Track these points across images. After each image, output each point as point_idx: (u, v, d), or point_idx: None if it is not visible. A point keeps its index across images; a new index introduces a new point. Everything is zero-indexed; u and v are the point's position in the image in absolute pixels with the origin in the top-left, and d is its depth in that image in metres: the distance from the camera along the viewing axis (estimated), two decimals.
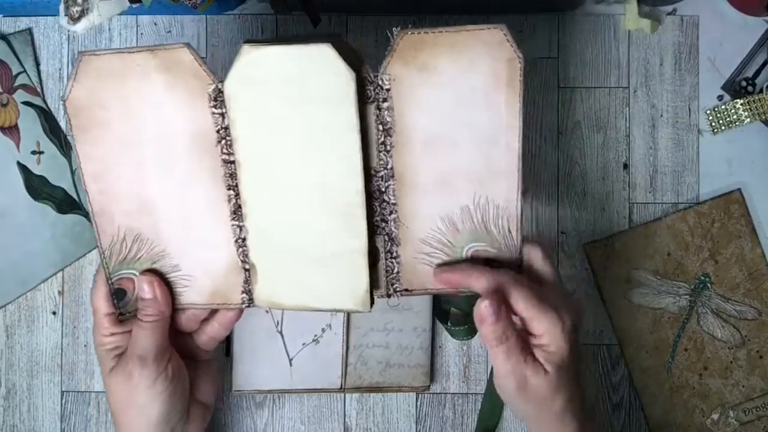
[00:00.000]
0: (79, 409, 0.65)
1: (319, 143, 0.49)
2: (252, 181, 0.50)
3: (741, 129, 0.65)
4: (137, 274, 0.53)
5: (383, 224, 0.51)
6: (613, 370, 0.65)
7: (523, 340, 0.49)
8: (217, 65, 0.65)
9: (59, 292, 0.65)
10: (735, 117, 0.64)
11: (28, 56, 0.65)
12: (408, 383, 0.63)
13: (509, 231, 0.51)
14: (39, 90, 0.65)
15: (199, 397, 0.57)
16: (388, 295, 0.53)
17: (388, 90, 0.49)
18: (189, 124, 0.50)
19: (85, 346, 0.65)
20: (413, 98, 0.49)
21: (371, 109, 0.49)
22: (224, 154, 0.51)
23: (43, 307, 0.65)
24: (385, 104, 0.49)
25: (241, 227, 0.52)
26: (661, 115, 0.65)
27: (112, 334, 0.53)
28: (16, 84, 0.64)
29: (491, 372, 0.63)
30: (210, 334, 0.56)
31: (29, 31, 0.65)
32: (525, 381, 0.49)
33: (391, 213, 0.51)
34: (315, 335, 0.63)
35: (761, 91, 0.64)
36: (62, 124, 0.65)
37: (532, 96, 0.65)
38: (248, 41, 0.48)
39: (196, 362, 0.57)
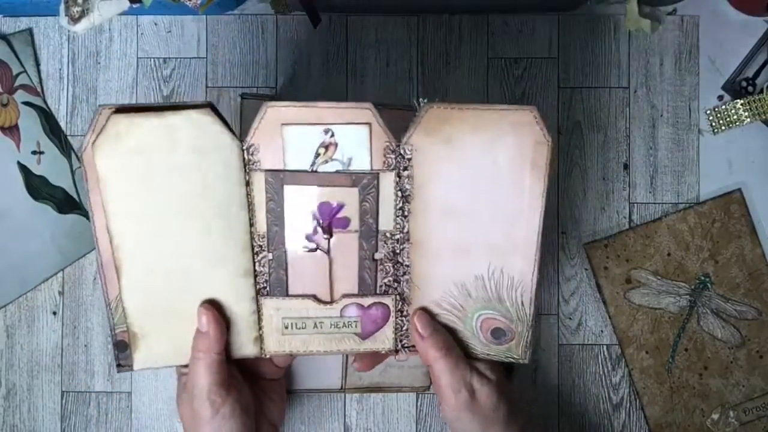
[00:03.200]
0: (79, 409, 0.65)
1: None
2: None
3: (741, 129, 0.65)
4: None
5: (395, 284, 0.52)
6: (613, 370, 0.65)
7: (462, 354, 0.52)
8: (218, 65, 0.65)
9: (59, 293, 0.65)
10: (735, 117, 0.64)
11: (29, 56, 0.65)
12: (408, 383, 0.63)
13: (522, 304, 0.51)
14: (39, 90, 0.65)
15: (268, 416, 0.57)
16: (396, 351, 0.54)
17: (409, 159, 0.49)
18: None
19: (85, 346, 0.65)
20: (435, 169, 0.49)
21: (391, 176, 0.50)
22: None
23: (44, 307, 0.65)
24: (406, 173, 0.50)
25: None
26: (661, 115, 0.65)
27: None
28: (16, 84, 0.64)
29: None
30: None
31: (29, 31, 0.65)
32: (473, 391, 0.51)
33: (404, 274, 0.52)
34: None
35: (761, 91, 0.64)
36: (62, 124, 0.65)
37: (532, 96, 0.65)
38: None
39: (268, 381, 0.57)
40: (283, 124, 0.48)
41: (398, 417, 0.65)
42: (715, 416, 0.64)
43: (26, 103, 0.64)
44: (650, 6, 0.65)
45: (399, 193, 0.50)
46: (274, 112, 0.48)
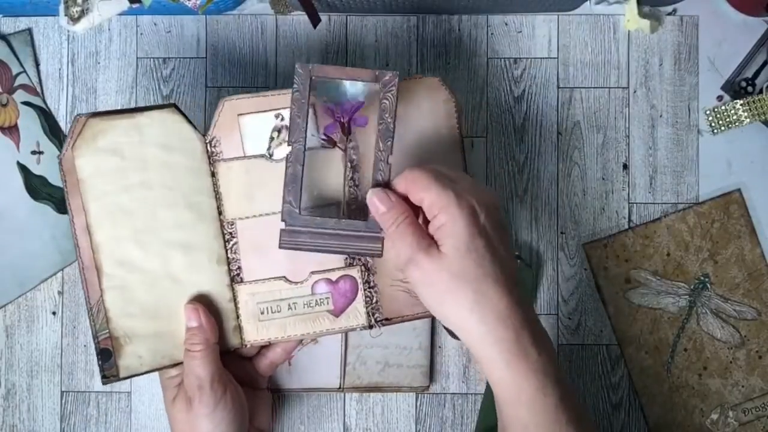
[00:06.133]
0: (79, 409, 0.65)
1: None
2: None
3: (741, 129, 0.65)
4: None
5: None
6: (613, 370, 0.65)
7: (421, 228, 0.48)
8: (218, 65, 0.65)
9: (59, 292, 0.65)
10: (735, 117, 0.64)
11: (28, 56, 0.65)
12: (407, 383, 0.63)
13: None
14: (39, 90, 0.65)
15: (256, 425, 0.58)
16: (370, 326, 0.55)
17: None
18: None
19: (84, 346, 0.65)
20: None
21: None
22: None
23: (43, 307, 0.65)
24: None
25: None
26: (661, 115, 0.65)
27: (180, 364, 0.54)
28: (15, 84, 0.64)
29: None
30: (271, 359, 0.58)
31: (29, 31, 0.65)
32: (418, 262, 0.47)
33: None
34: None
35: (761, 91, 0.64)
36: (62, 124, 0.65)
37: (532, 96, 0.65)
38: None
39: (254, 391, 0.58)
40: (239, 114, 0.53)
41: (398, 417, 0.65)
42: (715, 416, 0.64)
43: (26, 103, 0.64)
44: (650, 6, 0.65)
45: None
46: (230, 105, 0.53)
